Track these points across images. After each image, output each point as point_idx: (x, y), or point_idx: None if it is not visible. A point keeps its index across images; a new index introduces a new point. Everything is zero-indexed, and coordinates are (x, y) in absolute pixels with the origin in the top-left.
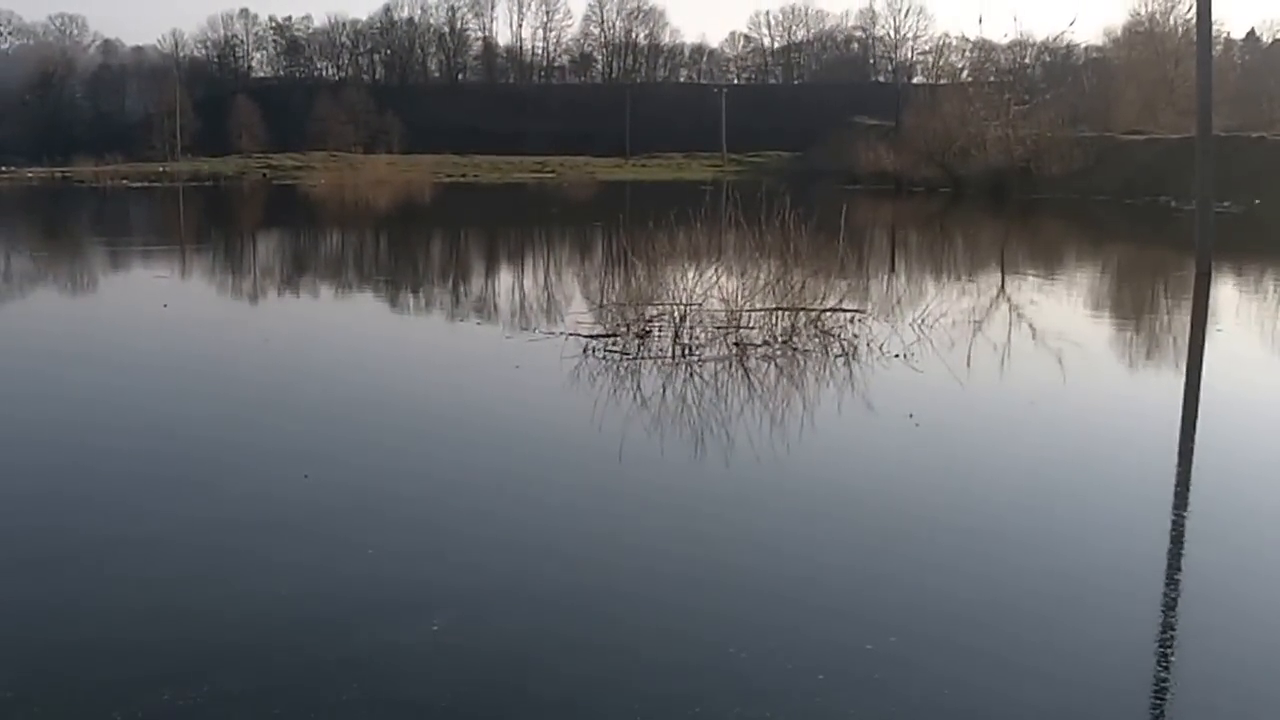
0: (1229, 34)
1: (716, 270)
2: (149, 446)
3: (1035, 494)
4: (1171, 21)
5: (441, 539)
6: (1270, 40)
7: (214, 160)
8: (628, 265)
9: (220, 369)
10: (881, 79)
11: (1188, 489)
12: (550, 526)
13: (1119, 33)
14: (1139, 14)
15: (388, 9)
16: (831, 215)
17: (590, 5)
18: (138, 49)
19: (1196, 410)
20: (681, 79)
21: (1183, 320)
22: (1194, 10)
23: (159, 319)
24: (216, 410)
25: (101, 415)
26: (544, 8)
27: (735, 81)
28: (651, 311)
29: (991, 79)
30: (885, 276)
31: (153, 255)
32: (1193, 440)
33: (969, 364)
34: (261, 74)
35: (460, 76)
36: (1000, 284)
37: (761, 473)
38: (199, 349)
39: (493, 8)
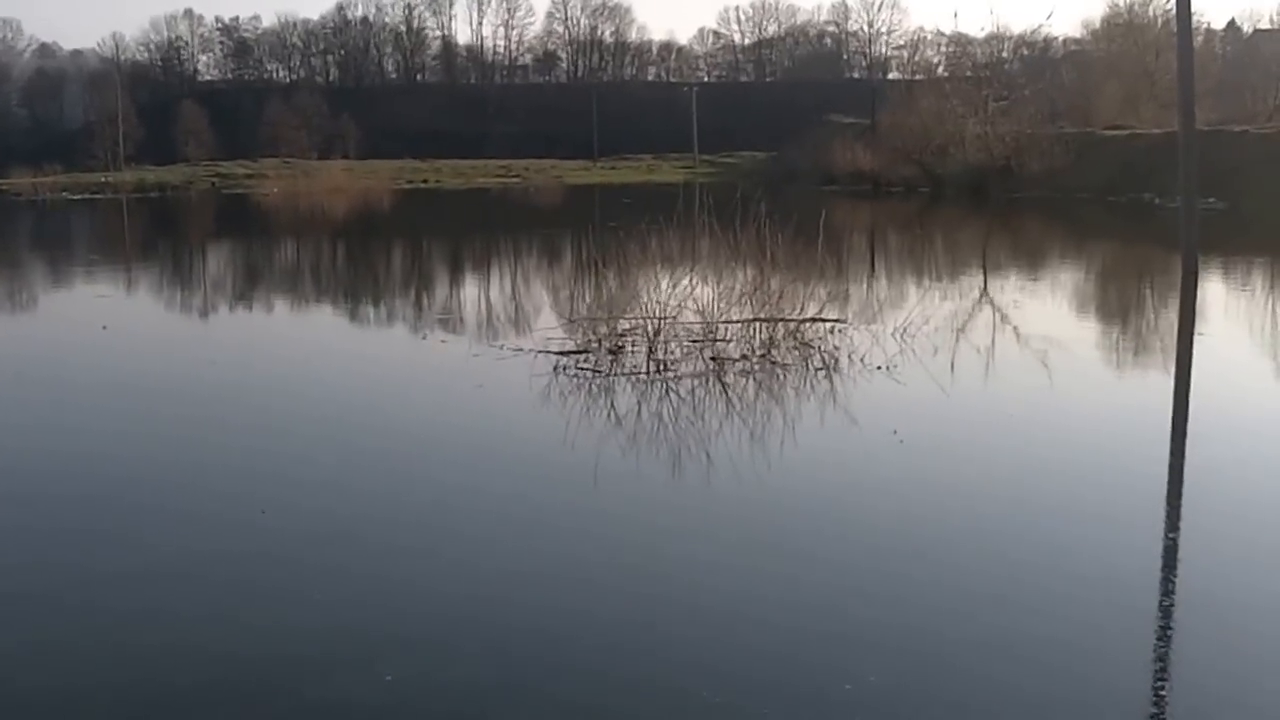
0: (1209, 25)
1: (691, 280)
2: (76, 489)
3: (1022, 512)
4: (1151, 13)
5: (405, 573)
6: (1251, 30)
7: (160, 169)
8: (598, 277)
9: (162, 395)
10: (856, 75)
11: (1179, 505)
12: (522, 552)
13: (1097, 25)
14: (1117, 6)
15: (341, 8)
16: (809, 219)
17: (553, 2)
18: (77, 52)
19: (1186, 423)
20: (650, 78)
21: (1171, 324)
22: (1173, 3)
23: (98, 341)
24: (157, 440)
25: (25, 447)
26: (505, 5)
27: (705, 79)
28: (624, 325)
29: (969, 74)
30: (865, 283)
31: (94, 273)
32: (1183, 455)
33: (952, 375)
34: (208, 77)
35: (419, 77)
36: (982, 289)
37: (742, 495)
38: (139, 372)
39: (451, 5)
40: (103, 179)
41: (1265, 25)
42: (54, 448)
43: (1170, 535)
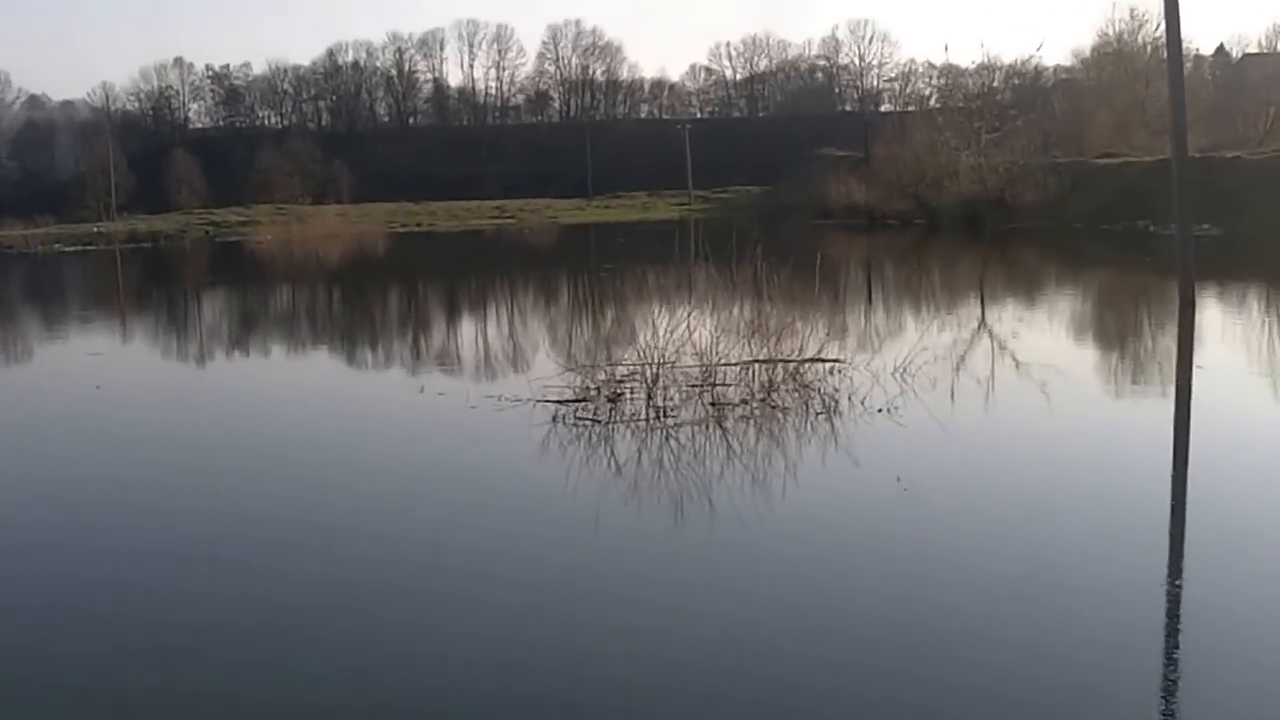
0: (1198, 50)
1: (688, 324)
2: (62, 570)
3: (1028, 561)
4: (1140, 41)
5: (407, 630)
6: (1240, 55)
7: (152, 218)
8: (595, 322)
9: (156, 459)
10: (848, 108)
11: (1182, 552)
12: (525, 605)
13: (1087, 54)
14: (1106, 34)
15: (331, 53)
16: (806, 256)
17: (544, 42)
18: (67, 103)
19: (1186, 466)
20: (642, 115)
21: (1170, 358)
22: (1163, 32)
23: (91, 402)
24: (148, 509)
25: (15, 511)
26: (496, 46)
27: (698, 115)
28: (622, 371)
29: (960, 105)
30: (863, 319)
31: (86, 328)
32: (1185, 498)
33: (954, 415)
34: (200, 125)
35: (411, 120)
36: (979, 324)
37: (745, 545)
38: (133, 434)
39: (442, 48)
40: (95, 229)
41: (1254, 49)
42: (39, 518)
43: (1175, 584)
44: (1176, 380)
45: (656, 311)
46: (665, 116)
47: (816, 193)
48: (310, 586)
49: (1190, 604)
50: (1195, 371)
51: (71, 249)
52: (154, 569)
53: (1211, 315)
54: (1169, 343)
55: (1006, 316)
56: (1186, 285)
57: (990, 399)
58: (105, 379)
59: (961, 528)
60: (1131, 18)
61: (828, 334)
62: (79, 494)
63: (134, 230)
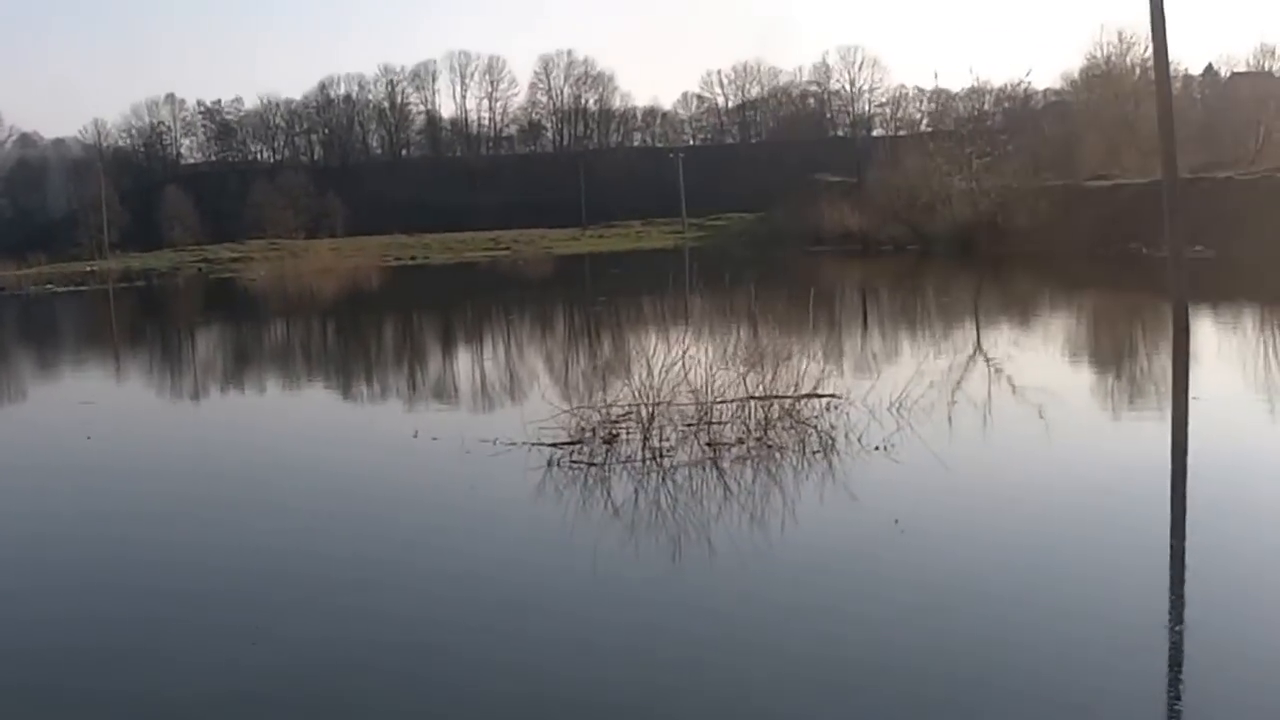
0: (1187, 70)
1: (684, 363)
2: (50, 639)
3: (1023, 605)
4: (1128, 63)
5: (407, 676)
6: (1229, 74)
7: (145, 255)
8: (591, 358)
9: (152, 510)
10: (840, 133)
11: (1183, 595)
12: (524, 650)
13: (1076, 76)
14: (1095, 57)
15: (323, 86)
16: (801, 284)
17: (536, 73)
18: (59, 141)
19: (1185, 502)
20: (635, 143)
21: (1167, 390)
22: (1151, 54)
23: (83, 454)
24: (140, 564)
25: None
26: (488, 77)
27: (691, 143)
28: (618, 410)
29: (951, 128)
30: (859, 350)
31: (79, 374)
32: (1184, 537)
33: (951, 452)
34: (192, 161)
35: (404, 152)
36: (973, 353)
37: (743, 590)
38: (125, 489)
39: (434, 80)
40: (88, 268)
41: (1242, 68)
42: (30, 584)
43: (1176, 629)
44: (1173, 413)
45: (651, 348)
46: (658, 144)
47: (810, 219)
48: (308, 643)
49: (1193, 648)
50: (1191, 402)
51: (64, 289)
52: (138, 632)
53: (1206, 341)
54: (1164, 372)
55: (1001, 346)
56: (1180, 312)
57: (986, 433)
58: (96, 430)
59: (959, 570)
60: (1120, 40)
61: (823, 368)
62: (54, 556)
63: (127, 268)
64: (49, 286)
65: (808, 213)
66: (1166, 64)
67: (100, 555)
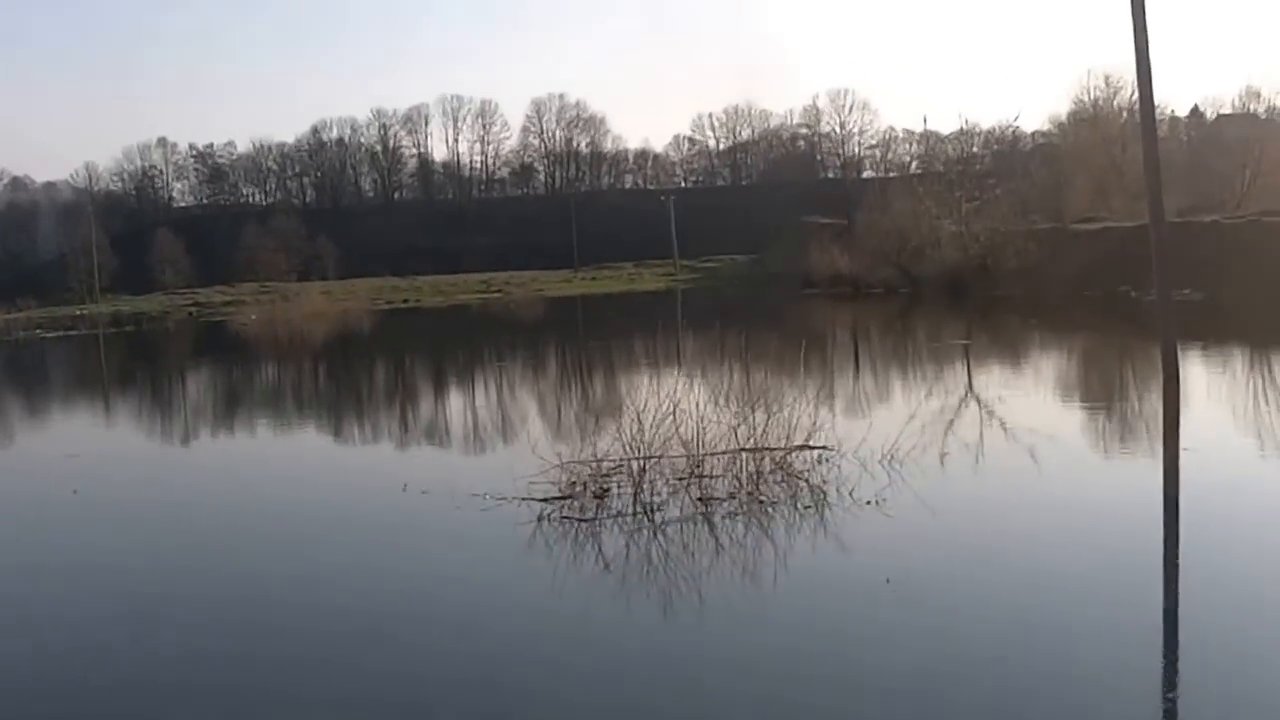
0: (1173, 112)
1: (674, 416)
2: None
3: (1013, 667)
4: (1115, 106)
5: None
6: (1214, 115)
7: (136, 299)
8: (583, 407)
9: (133, 567)
10: (830, 175)
11: (1177, 658)
12: (518, 706)
13: (1064, 119)
14: (1082, 101)
15: (315, 130)
16: (792, 328)
17: (528, 116)
18: (49, 185)
19: (1178, 559)
20: (627, 185)
21: (1158, 440)
22: (1137, 100)
23: (67, 508)
24: (124, 622)
25: None
26: (480, 121)
27: (682, 185)
28: (609, 464)
29: (940, 170)
30: (849, 397)
31: (66, 423)
32: (1177, 598)
33: (942, 506)
34: (183, 204)
35: (396, 195)
36: (964, 402)
37: (733, 645)
38: (109, 544)
39: (426, 123)
40: (78, 312)
41: (1227, 110)
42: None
43: (1169, 696)
44: (1164, 466)
45: (643, 399)
46: (650, 187)
47: (801, 262)
48: (292, 702)
49: (1187, 713)
50: (1183, 453)
51: (53, 334)
52: (119, 696)
53: (1196, 388)
54: (1155, 422)
55: (991, 393)
56: (1170, 358)
57: (978, 487)
58: (82, 484)
59: (950, 631)
60: (1107, 84)
61: (815, 419)
62: (64, 596)
63: (117, 312)
64: (38, 331)
65: (799, 255)
66: (1152, 110)
67: (77, 612)
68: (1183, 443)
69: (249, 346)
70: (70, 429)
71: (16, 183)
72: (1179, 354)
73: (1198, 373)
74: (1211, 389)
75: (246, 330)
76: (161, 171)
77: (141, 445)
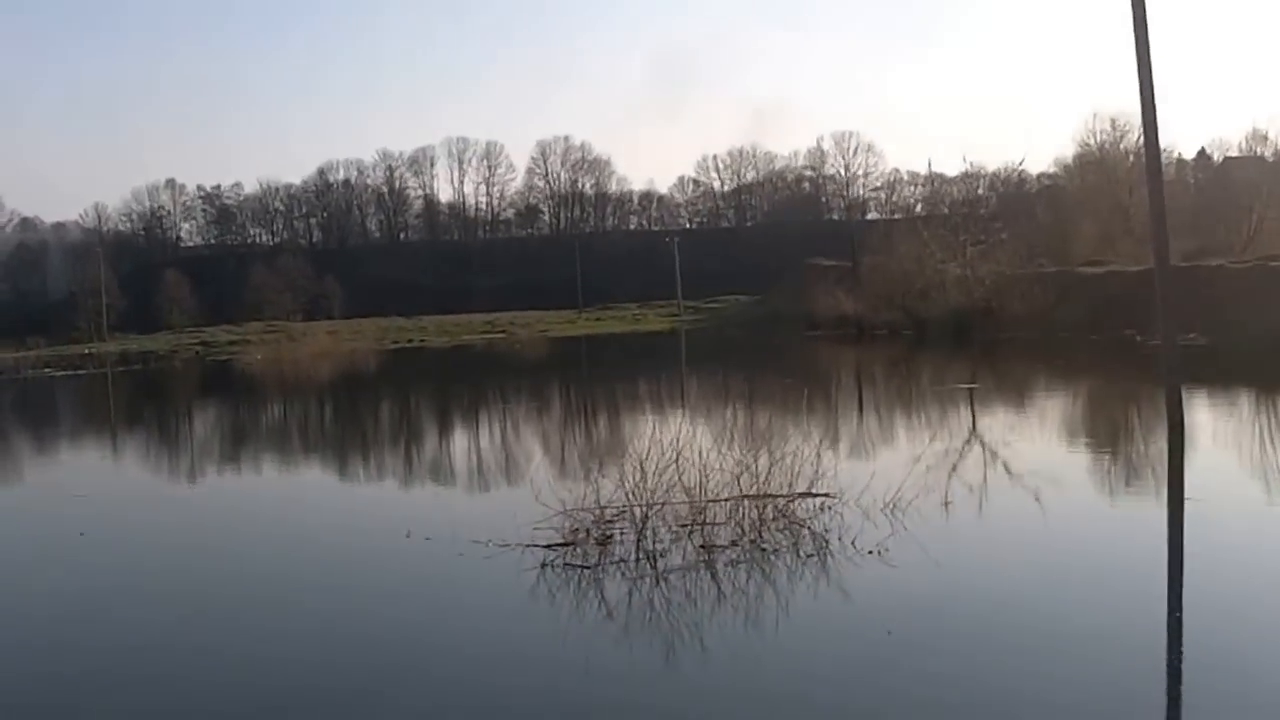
0: (1180, 154)
1: (678, 462)
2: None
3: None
4: (1122, 149)
5: None
6: (1221, 158)
7: (143, 338)
8: (586, 451)
9: (139, 613)
10: (835, 216)
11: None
12: None
13: (1070, 162)
14: (1089, 144)
15: (322, 172)
16: (795, 371)
17: (534, 158)
18: (59, 225)
19: (1181, 610)
20: (631, 227)
21: (1162, 490)
22: (1143, 144)
23: (74, 550)
24: (127, 670)
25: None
26: (486, 163)
27: (687, 226)
28: (611, 511)
29: (946, 212)
30: (852, 442)
31: (74, 462)
32: (1180, 655)
33: (945, 556)
34: (191, 244)
35: (401, 235)
36: (967, 449)
37: (735, 694)
38: (116, 586)
39: (432, 165)
40: (86, 350)
41: (1234, 153)
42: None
43: None
44: (1169, 517)
45: (645, 447)
46: (654, 228)
47: (805, 303)
48: None
49: None
50: (1187, 504)
51: (61, 372)
52: None
53: (1201, 435)
54: (1160, 470)
55: (995, 439)
56: (1174, 406)
57: (980, 537)
58: (89, 526)
59: (952, 679)
60: (1113, 128)
61: (817, 465)
62: (66, 641)
63: (125, 351)
64: (47, 370)
65: (803, 297)
66: (1158, 156)
67: (74, 659)
68: (1187, 493)
69: (255, 386)
70: (79, 468)
71: (26, 223)
72: (1183, 400)
73: (1202, 419)
74: (1217, 436)
75: (253, 369)
76: (170, 212)
77: (148, 486)
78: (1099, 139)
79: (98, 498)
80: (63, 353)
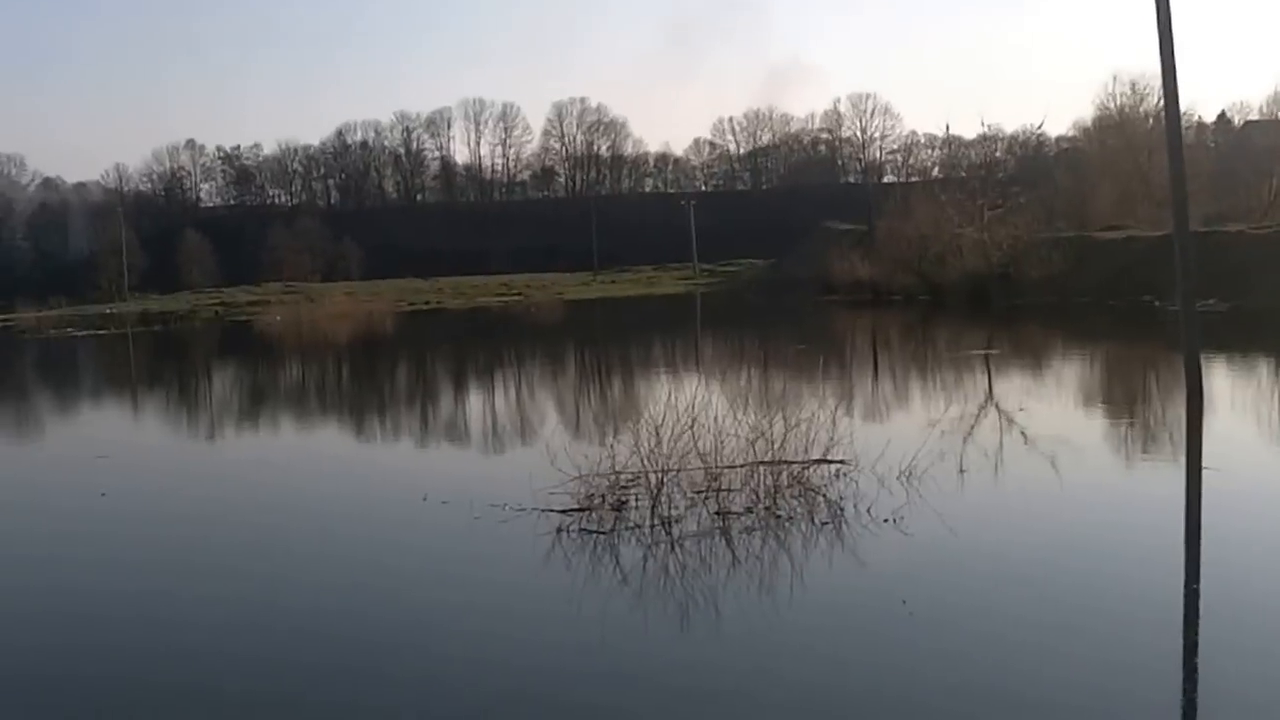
0: (1200, 118)
1: (693, 429)
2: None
3: (1028, 691)
4: (1142, 112)
5: None
6: (1242, 122)
7: (163, 298)
8: (601, 415)
9: (158, 577)
10: (851, 179)
11: (1195, 691)
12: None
13: (1089, 125)
14: (1108, 108)
15: (340, 133)
16: (810, 336)
17: (550, 120)
18: (80, 185)
19: (1199, 583)
20: (647, 189)
21: (1180, 457)
22: (1163, 107)
23: (96, 511)
24: (136, 641)
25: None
26: (502, 124)
27: (702, 188)
28: (626, 477)
29: (963, 174)
30: (867, 408)
31: (96, 422)
32: (1197, 628)
33: (960, 525)
34: (211, 205)
35: (419, 197)
36: (983, 416)
37: (749, 661)
38: (136, 550)
39: (449, 127)
40: (107, 310)
41: (1255, 116)
42: (36, 642)
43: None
44: (1186, 485)
45: (661, 411)
46: (670, 190)
47: (821, 267)
48: (319, 712)
49: None
50: (1205, 473)
51: (83, 332)
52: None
53: (1219, 403)
54: (1178, 438)
55: (1012, 406)
56: (1193, 373)
57: (996, 505)
58: (110, 487)
59: (965, 650)
60: (1133, 90)
61: (832, 431)
62: (82, 609)
63: (145, 311)
64: (68, 329)
65: (818, 261)
66: (1178, 121)
67: (85, 628)
68: (1206, 461)
69: (274, 346)
70: (101, 428)
71: (48, 183)
72: (1202, 367)
73: (1221, 387)
74: (1236, 403)
75: (271, 330)
76: (190, 173)
77: (169, 446)
78: (1119, 102)
79: (120, 459)
80: (84, 312)
